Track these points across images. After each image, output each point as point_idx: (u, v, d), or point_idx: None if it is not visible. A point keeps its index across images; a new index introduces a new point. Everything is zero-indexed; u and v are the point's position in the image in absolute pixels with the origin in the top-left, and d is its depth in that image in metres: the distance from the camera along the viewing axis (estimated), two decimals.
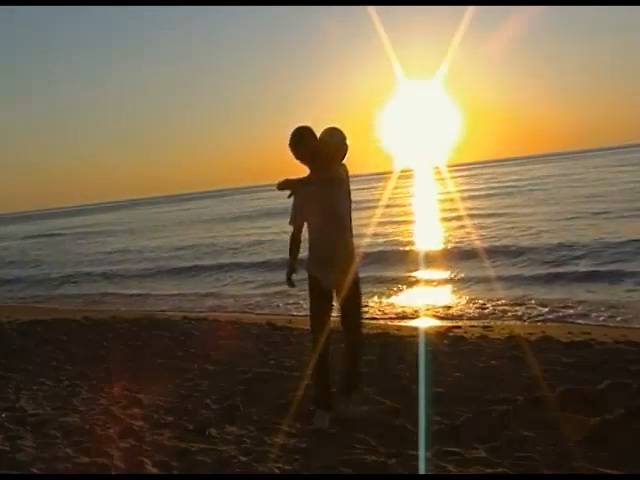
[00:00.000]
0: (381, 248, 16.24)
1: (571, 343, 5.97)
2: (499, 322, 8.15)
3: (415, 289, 11.41)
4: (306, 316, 4.19)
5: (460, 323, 8.18)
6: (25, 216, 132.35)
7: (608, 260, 11.74)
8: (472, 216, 22.18)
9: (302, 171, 3.91)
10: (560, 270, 11.40)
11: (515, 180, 45.79)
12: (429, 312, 9.23)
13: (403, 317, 9.22)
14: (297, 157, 3.85)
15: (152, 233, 34.29)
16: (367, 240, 15.32)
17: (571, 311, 8.34)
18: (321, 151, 3.80)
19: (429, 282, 11.84)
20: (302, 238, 4.04)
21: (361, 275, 4.02)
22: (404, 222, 23.09)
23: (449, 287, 11.25)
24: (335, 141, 3.85)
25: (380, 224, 21.84)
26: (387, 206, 29.70)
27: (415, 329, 7.67)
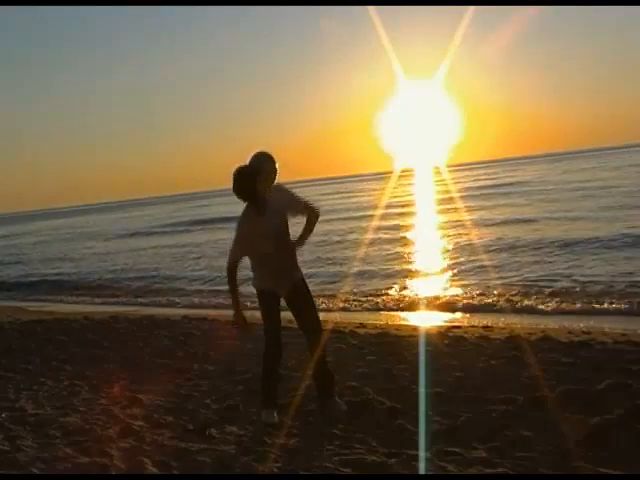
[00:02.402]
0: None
1: (571, 343, 5.97)
2: (499, 322, 8.15)
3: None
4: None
5: (460, 323, 8.19)
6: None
7: None
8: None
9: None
10: None
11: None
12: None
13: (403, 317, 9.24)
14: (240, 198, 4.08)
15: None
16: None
17: None
18: (259, 190, 4.02)
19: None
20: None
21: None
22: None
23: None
24: (266, 169, 4.09)
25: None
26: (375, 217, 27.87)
27: (415, 329, 7.67)
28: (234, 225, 4.14)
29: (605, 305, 8.77)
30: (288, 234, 4.19)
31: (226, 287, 4.38)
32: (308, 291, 4.28)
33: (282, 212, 4.11)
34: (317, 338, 4.20)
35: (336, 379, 4.35)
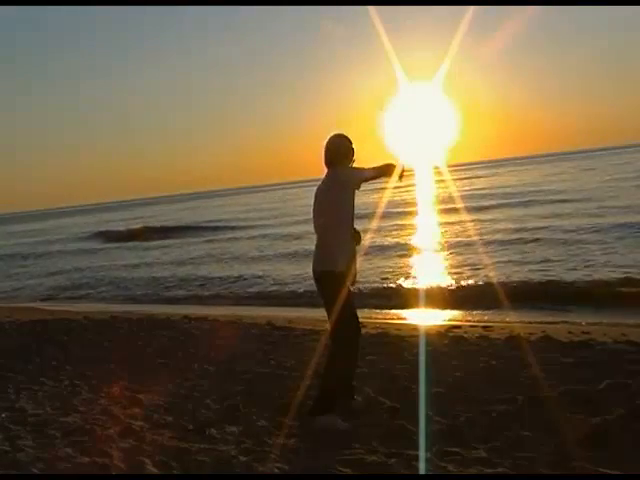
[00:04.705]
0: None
1: (571, 343, 5.97)
2: (499, 322, 8.15)
3: None
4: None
5: (460, 323, 8.19)
6: None
7: None
8: None
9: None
10: None
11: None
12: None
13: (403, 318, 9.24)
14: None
15: None
16: None
17: None
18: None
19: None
20: None
21: None
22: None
23: None
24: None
25: None
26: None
27: (415, 329, 7.67)
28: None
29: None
30: (330, 216, 4.05)
31: None
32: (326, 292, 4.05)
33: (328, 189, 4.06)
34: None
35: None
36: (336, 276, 3.95)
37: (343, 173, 4.04)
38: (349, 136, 4.18)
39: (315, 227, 4.17)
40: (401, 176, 4.07)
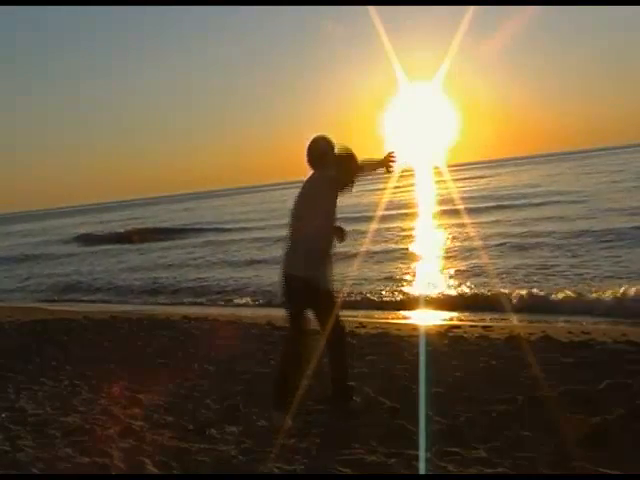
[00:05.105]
0: None
1: (571, 343, 5.97)
2: (499, 322, 8.15)
3: None
4: None
5: (460, 323, 8.19)
6: None
7: None
8: None
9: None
10: None
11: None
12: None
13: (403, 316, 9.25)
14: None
15: None
16: None
17: None
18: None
19: None
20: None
21: None
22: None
23: None
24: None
25: None
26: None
27: (415, 329, 7.67)
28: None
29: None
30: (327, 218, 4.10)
31: None
32: None
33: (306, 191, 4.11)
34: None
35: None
36: (330, 281, 4.14)
37: (328, 175, 4.03)
38: (329, 137, 4.18)
39: (307, 230, 4.09)
40: (388, 165, 4.03)
